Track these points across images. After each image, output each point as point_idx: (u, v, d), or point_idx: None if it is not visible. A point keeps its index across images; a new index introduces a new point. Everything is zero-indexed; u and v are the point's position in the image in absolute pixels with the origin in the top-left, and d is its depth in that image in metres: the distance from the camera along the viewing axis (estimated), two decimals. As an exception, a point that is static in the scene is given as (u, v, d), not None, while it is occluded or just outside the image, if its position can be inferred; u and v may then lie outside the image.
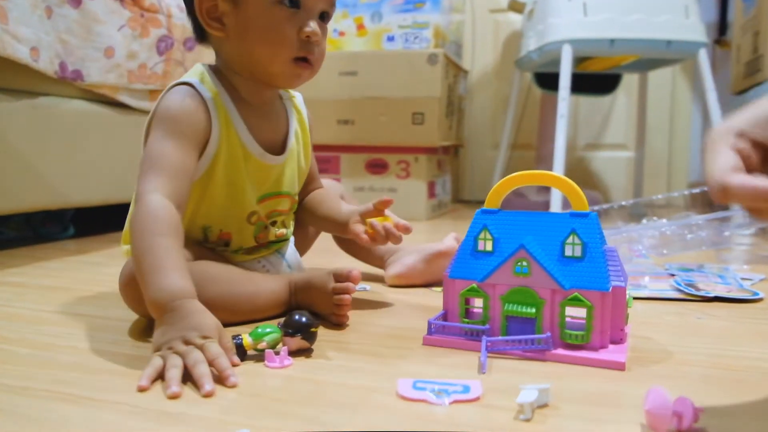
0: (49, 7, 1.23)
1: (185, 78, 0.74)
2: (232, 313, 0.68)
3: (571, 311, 0.57)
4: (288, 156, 0.80)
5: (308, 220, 0.90)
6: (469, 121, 2.62)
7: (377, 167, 1.91)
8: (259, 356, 0.56)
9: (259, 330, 0.57)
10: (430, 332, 0.62)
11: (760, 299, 0.82)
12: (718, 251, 1.16)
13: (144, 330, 0.67)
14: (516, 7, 2.05)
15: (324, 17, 0.73)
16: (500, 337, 0.58)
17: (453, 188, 2.67)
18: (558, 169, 1.60)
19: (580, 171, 2.57)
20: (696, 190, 1.50)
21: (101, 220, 1.56)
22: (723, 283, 0.90)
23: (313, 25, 0.70)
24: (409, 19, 1.85)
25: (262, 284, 0.72)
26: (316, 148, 1.97)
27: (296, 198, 0.85)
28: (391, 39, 1.87)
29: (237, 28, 0.71)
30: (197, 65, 0.76)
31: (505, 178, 0.63)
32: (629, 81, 2.37)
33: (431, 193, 1.94)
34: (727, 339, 0.65)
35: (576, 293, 0.57)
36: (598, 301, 0.56)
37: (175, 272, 0.57)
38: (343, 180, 1.94)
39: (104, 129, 1.40)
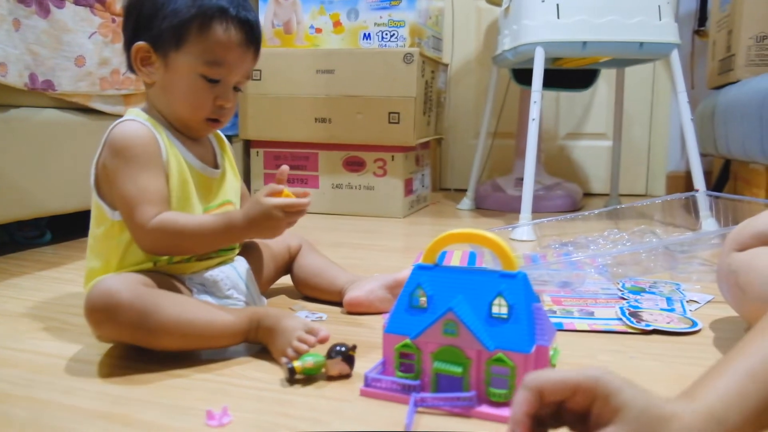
0: (17, 19, 1.24)
1: (126, 116, 0.84)
2: (188, 338, 0.72)
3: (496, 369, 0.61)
4: (222, 170, 0.91)
5: (303, 289, 1.02)
6: (451, 110, 2.63)
7: (354, 165, 1.93)
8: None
9: (305, 356, 0.68)
10: (366, 384, 0.65)
11: (698, 331, 0.86)
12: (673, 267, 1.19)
13: (108, 371, 0.70)
14: (495, 1, 2.04)
15: (237, 87, 0.85)
16: (429, 394, 0.62)
17: (436, 177, 2.69)
18: (529, 170, 1.63)
19: (561, 160, 2.60)
20: (669, 197, 1.53)
21: (79, 224, 1.59)
22: (668, 309, 0.94)
23: (226, 96, 0.83)
24: (385, 17, 1.85)
25: (219, 313, 0.76)
26: (295, 145, 2.00)
27: (239, 207, 0.93)
28: (367, 37, 1.87)
29: (163, 83, 0.83)
30: (130, 109, 0.86)
31: (441, 236, 0.66)
32: (610, 71, 2.37)
33: (408, 190, 1.97)
34: (653, 383, 0.69)
35: (500, 354, 0.60)
36: (521, 362, 0.60)
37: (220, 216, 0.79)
38: (321, 177, 1.96)
39: (78, 136, 1.41)
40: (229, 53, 0.81)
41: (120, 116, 1.04)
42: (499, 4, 1.97)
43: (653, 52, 1.67)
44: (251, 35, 0.83)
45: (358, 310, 0.94)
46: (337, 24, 1.89)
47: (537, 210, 1.89)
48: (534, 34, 1.65)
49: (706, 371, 0.46)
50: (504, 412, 0.59)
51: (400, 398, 0.63)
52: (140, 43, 0.81)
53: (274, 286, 1.05)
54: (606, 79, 2.43)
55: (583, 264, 1.11)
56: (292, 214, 0.78)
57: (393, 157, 1.90)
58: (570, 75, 2.13)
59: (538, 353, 0.61)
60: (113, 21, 1.47)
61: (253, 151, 2.04)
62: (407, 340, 0.64)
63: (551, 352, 0.63)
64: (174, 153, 0.83)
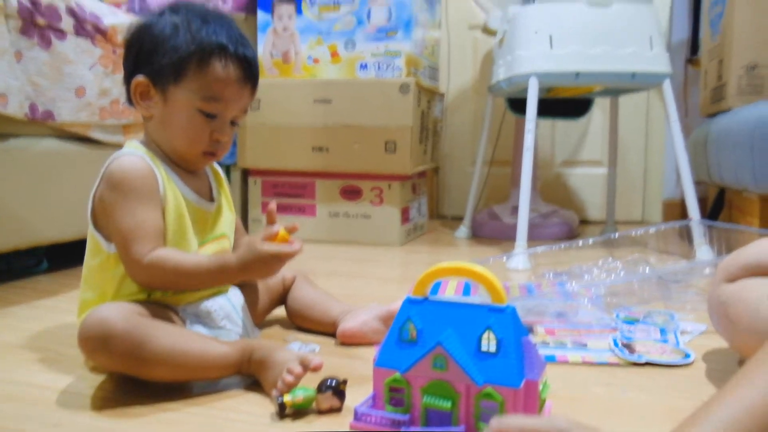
0: (19, 51, 1.26)
1: (124, 150, 0.85)
2: (180, 368, 0.73)
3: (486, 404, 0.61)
4: (218, 203, 0.92)
5: (297, 320, 1.03)
6: (448, 138, 2.65)
7: (351, 193, 1.95)
8: None
9: (296, 390, 0.68)
10: (356, 418, 0.65)
11: (691, 363, 0.86)
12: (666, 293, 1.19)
13: (100, 403, 0.70)
14: (489, 32, 2.08)
15: (234, 122, 0.87)
16: (418, 428, 0.62)
17: (433, 204, 2.71)
18: (524, 198, 1.64)
19: (557, 187, 2.61)
20: (663, 226, 1.54)
21: (77, 252, 1.59)
22: (661, 341, 0.94)
23: (222, 131, 0.85)
24: (381, 48, 1.88)
25: (212, 345, 0.77)
26: (293, 173, 2.02)
27: (232, 240, 0.94)
28: (364, 66, 1.90)
29: (162, 116, 0.84)
30: (128, 142, 0.87)
31: (430, 270, 0.66)
32: (605, 99, 2.40)
33: (405, 219, 1.98)
34: (643, 419, 0.69)
35: (489, 388, 0.60)
36: (510, 396, 0.60)
37: (215, 257, 0.81)
38: (318, 206, 1.98)
39: (77, 165, 1.43)
40: (227, 89, 0.83)
41: (119, 145, 1.07)
42: (493, 35, 2.01)
43: (645, 81, 1.70)
44: (249, 72, 0.85)
45: (351, 341, 0.94)
46: (334, 54, 1.92)
47: (533, 238, 1.90)
48: (528, 64, 1.67)
49: (685, 420, 0.47)
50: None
51: (389, 433, 0.63)
52: (140, 78, 0.83)
53: (268, 317, 1.05)
54: (601, 107, 2.46)
55: (577, 294, 1.12)
56: (283, 261, 0.79)
57: (389, 185, 1.91)
58: (564, 104, 2.16)
59: (527, 387, 0.61)
60: (114, 52, 1.49)
61: (251, 180, 2.05)
62: (397, 375, 0.64)
63: (541, 387, 0.63)
64: (171, 186, 0.84)
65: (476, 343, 0.62)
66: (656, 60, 1.67)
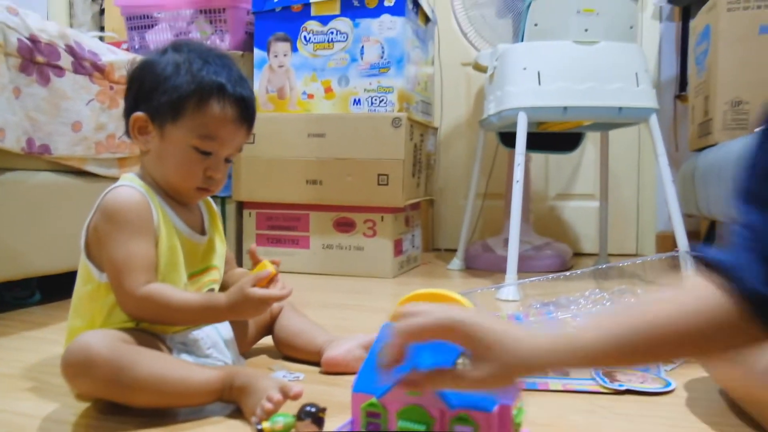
0: (17, 87, 1.30)
1: (121, 182, 0.86)
2: (162, 394, 0.74)
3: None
4: (209, 236, 0.94)
5: (283, 349, 1.04)
6: (443, 171, 2.68)
7: (345, 226, 1.97)
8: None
9: (275, 417, 0.69)
10: (333, 444, 0.66)
11: (671, 391, 0.86)
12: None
13: (81, 431, 0.71)
14: (480, 68, 2.13)
15: (228, 159, 0.89)
16: (393, 453, 0.63)
17: (428, 238, 2.72)
18: (514, 230, 1.65)
19: (550, 220, 2.63)
20: (648, 258, 1.56)
21: (69, 284, 1.60)
22: (642, 369, 0.94)
23: (216, 168, 0.87)
24: (374, 84, 1.92)
25: (194, 370, 0.78)
26: (287, 206, 2.03)
27: (222, 272, 0.96)
28: (357, 102, 1.94)
29: (158, 151, 0.86)
30: (124, 175, 0.88)
31: (407, 296, 0.68)
32: (598, 134, 2.44)
33: (398, 251, 1.99)
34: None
35: (463, 413, 0.61)
36: (484, 420, 0.61)
37: (205, 297, 0.84)
38: (312, 238, 1.99)
39: (72, 198, 1.45)
40: (223, 128, 0.85)
41: (115, 178, 1.09)
42: (484, 71, 2.05)
43: (632, 116, 1.73)
44: (246, 112, 0.87)
45: (335, 369, 0.94)
46: (328, 90, 1.97)
47: (527, 270, 1.91)
48: (517, 99, 1.71)
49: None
50: (467, 471, 0.60)
51: (366, 458, 0.64)
52: (139, 114, 0.85)
53: (255, 346, 1.06)
54: (593, 140, 2.50)
55: (563, 324, 1.13)
56: (270, 304, 0.83)
57: (382, 217, 1.93)
58: (556, 138, 2.20)
59: (501, 412, 0.62)
60: (111, 88, 1.53)
61: (245, 212, 2.07)
62: (373, 399, 0.65)
63: (515, 411, 0.64)
64: (165, 219, 0.86)
65: (451, 367, 0.63)
66: (642, 95, 1.71)
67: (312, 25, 1.97)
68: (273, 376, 0.87)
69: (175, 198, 0.89)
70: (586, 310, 1.22)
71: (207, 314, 0.84)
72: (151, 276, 0.81)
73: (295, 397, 0.72)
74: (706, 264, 0.50)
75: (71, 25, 2.80)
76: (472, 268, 2.17)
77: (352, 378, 0.91)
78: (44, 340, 1.15)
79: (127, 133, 0.88)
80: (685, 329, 0.49)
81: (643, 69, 1.73)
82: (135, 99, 0.87)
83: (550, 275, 1.45)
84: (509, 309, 1.42)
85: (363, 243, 1.95)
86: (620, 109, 1.69)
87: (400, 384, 0.59)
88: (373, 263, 1.93)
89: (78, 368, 0.71)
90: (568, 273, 1.44)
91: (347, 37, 1.94)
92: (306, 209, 2.00)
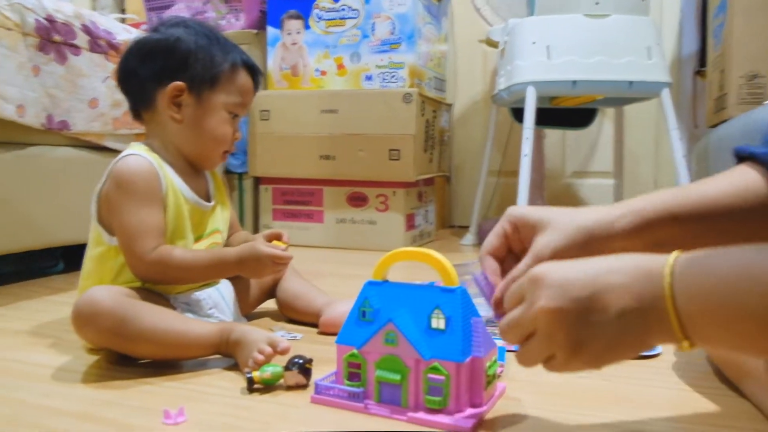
0: (36, 66, 1.35)
1: (130, 151, 0.91)
2: (163, 345, 0.79)
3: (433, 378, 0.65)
4: (214, 203, 1.00)
5: (285, 311, 1.09)
6: (459, 148, 2.69)
7: (357, 200, 2.00)
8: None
9: (265, 367, 0.73)
10: (317, 392, 0.70)
11: (657, 355, 0.88)
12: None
13: (88, 378, 0.76)
14: (492, 44, 2.13)
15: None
16: (372, 400, 0.66)
17: (445, 214, 2.74)
18: (522, 203, 1.67)
19: (567, 198, 2.63)
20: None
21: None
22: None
23: (237, 128, 0.98)
24: (385, 60, 1.94)
25: (193, 324, 0.83)
26: (301, 181, 2.07)
27: (225, 236, 1.03)
28: (369, 78, 1.96)
29: (193, 118, 0.93)
30: (133, 143, 0.93)
31: (387, 255, 0.71)
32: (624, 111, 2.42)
33: (410, 225, 2.02)
34: (591, 401, 0.72)
35: (435, 363, 0.64)
36: (454, 371, 0.64)
37: (214, 252, 0.91)
38: (326, 212, 2.04)
39: (91, 172, 1.50)
40: (247, 94, 0.99)
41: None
42: (496, 47, 2.06)
43: (643, 90, 1.72)
44: (257, 81, 1.01)
45: (331, 330, 0.98)
46: (340, 67, 1.99)
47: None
48: (526, 73, 1.71)
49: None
50: (439, 418, 0.64)
51: (346, 405, 0.68)
52: (178, 83, 0.91)
53: (259, 308, 1.10)
54: (611, 117, 2.48)
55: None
56: (277, 264, 0.89)
57: (394, 192, 1.96)
58: (569, 113, 2.19)
59: (474, 364, 0.65)
60: (127, 66, 1.58)
61: (262, 188, 2.12)
62: (354, 350, 0.69)
63: (487, 364, 0.67)
64: (172, 187, 0.91)
65: (427, 321, 0.67)
66: (654, 69, 1.70)
67: (324, 2, 1.99)
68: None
69: (194, 165, 0.96)
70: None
71: (216, 269, 0.90)
72: (161, 241, 0.87)
73: (283, 352, 0.76)
74: (746, 157, 0.57)
75: (94, 8, 2.86)
76: (484, 243, 2.18)
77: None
78: (64, 304, 1.22)
79: (134, 109, 0.96)
80: (732, 204, 0.55)
81: (655, 43, 1.72)
82: (159, 71, 0.92)
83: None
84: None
85: (375, 217, 1.98)
86: (631, 83, 1.68)
87: None
88: (386, 237, 1.96)
89: (85, 319, 0.77)
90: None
91: (358, 14, 1.96)
92: (320, 184, 2.04)
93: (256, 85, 1.01)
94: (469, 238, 2.20)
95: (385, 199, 1.98)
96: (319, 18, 2.00)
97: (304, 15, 2.02)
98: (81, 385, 0.76)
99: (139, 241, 0.85)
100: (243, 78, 0.97)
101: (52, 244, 1.46)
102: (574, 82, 1.68)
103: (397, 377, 0.66)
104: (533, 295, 0.51)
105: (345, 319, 0.98)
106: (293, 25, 2.03)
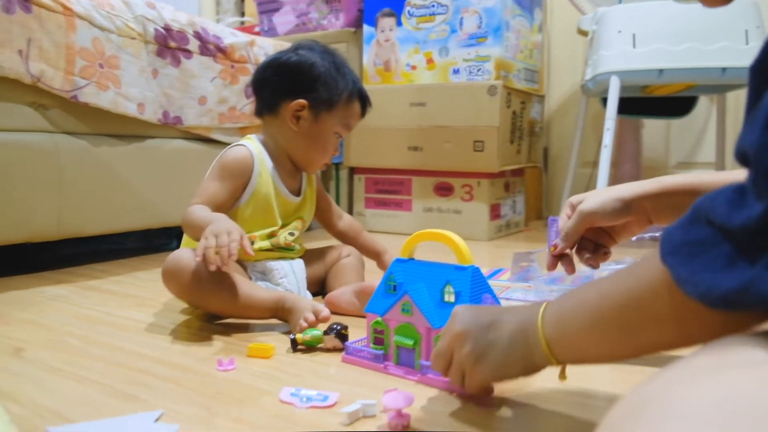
0: (155, 69, 1.57)
1: (241, 141, 1.11)
2: (230, 304, 0.93)
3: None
4: (302, 198, 1.14)
5: (350, 241, 1.26)
6: (556, 139, 2.68)
7: (444, 190, 2.08)
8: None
9: (308, 330, 0.84)
10: (347, 353, 0.80)
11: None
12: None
13: (170, 332, 0.92)
14: (583, 33, 2.11)
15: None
16: (392, 362, 0.76)
17: (540, 205, 2.74)
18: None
19: (670, 189, 2.52)
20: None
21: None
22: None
23: (338, 147, 1.15)
24: (472, 53, 1.99)
25: (256, 290, 0.97)
26: (391, 171, 2.19)
27: (307, 223, 1.19)
28: (456, 72, 2.03)
29: (308, 132, 1.10)
30: (249, 135, 1.14)
31: (413, 235, 0.80)
32: (727, 97, 2.30)
33: (495, 215, 2.07)
34: (598, 374, 0.76)
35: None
36: (461, 339, 0.71)
37: (208, 213, 0.96)
38: (414, 201, 2.13)
39: (200, 160, 1.71)
40: (355, 120, 1.15)
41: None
42: (586, 35, 2.04)
43: (739, 77, 1.65)
44: (365, 110, 1.17)
45: (331, 308, 0.99)
46: (429, 61, 2.08)
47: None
48: (609, 63, 1.70)
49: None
50: (444, 379, 0.71)
51: (369, 365, 0.78)
52: (302, 101, 1.08)
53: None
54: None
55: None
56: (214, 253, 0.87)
57: (479, 182, 2.02)
58: (666, 101, 2.12)
59: (479, 334, 0.72)
60: (232, 67, 1.77)
61: (355, 177, 2.26)
62: (378, 318, 0.78)
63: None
64: (267, 178, 1.09)
65: (440, 294, 0.75)
66: (752, 54, 1.62)
67: (414, -1, 2.08)
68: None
69: (296, 166, 1.14)
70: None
71: (198, 230, 0.91)
72: (207, 205, 1.00)
73: (323, 320, 0.87)
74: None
75: (217, 12, 3.15)
76: (573, 234, 2.17)
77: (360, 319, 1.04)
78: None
79: (259, 110, 1.14)
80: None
81: (754, 25, 1.63)
82: (287, 86, 1.09)
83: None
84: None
85: (461, 207, 2.05)
86: (724, 69, 1.62)
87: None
88: (470, 226, 2.03)
89: (170, 273, 0.93)
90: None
91: (447, 9, 2.02)
92: (409, 174, 2.14)
93: (363, 113, 1.16)
94: (558, 228, 2.19)
95: (470, 189, 2.04)
96: (411, 15, 2.10)
97: (396, 12, 2.12)
98: (167, 337, 0.92)
99: (195, 198, 1.02)
100: (355, 107, 1.13)
101: (168, 224, 1.68)
102: (661, 71, 1.64)
103: (411, 342, 0.74)
104: (450, 328, 0.63)
105: (340, 299, 1.07)
106: (387, 22, 2.14)
